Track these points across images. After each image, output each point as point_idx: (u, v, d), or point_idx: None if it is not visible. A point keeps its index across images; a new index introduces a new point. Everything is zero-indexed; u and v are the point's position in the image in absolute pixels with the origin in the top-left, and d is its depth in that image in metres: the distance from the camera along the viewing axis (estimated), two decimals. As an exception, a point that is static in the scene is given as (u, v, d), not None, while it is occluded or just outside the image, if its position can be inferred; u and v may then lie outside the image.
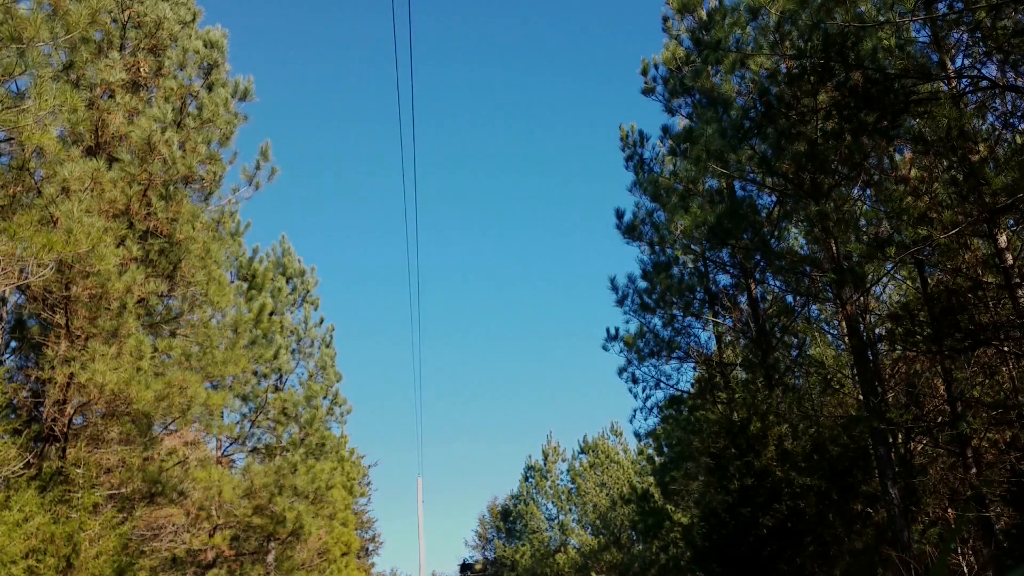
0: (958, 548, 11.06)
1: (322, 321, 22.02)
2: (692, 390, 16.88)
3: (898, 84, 9.19)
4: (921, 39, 9.86)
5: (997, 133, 9.93)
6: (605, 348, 16.78)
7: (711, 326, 16.41)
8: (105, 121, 10.61)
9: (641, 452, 30.62)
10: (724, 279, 16.06)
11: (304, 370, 21.24)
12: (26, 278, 8.86)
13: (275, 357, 17.89)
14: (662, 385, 16.91)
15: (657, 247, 15.80)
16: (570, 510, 40.79)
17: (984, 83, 9.33)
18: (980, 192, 8.55)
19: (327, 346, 21.95)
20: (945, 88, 9.51)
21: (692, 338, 16.53)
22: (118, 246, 9.87)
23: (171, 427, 11.94)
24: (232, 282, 15.36)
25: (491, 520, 46.98)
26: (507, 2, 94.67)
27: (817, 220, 10.75)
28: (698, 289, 15.86)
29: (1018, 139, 10.12)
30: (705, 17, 13.96)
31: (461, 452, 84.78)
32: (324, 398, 21.17)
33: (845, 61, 9.31)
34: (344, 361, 41.57)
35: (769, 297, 15.27)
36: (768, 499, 11.44)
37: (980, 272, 10.03)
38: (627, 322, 19.56)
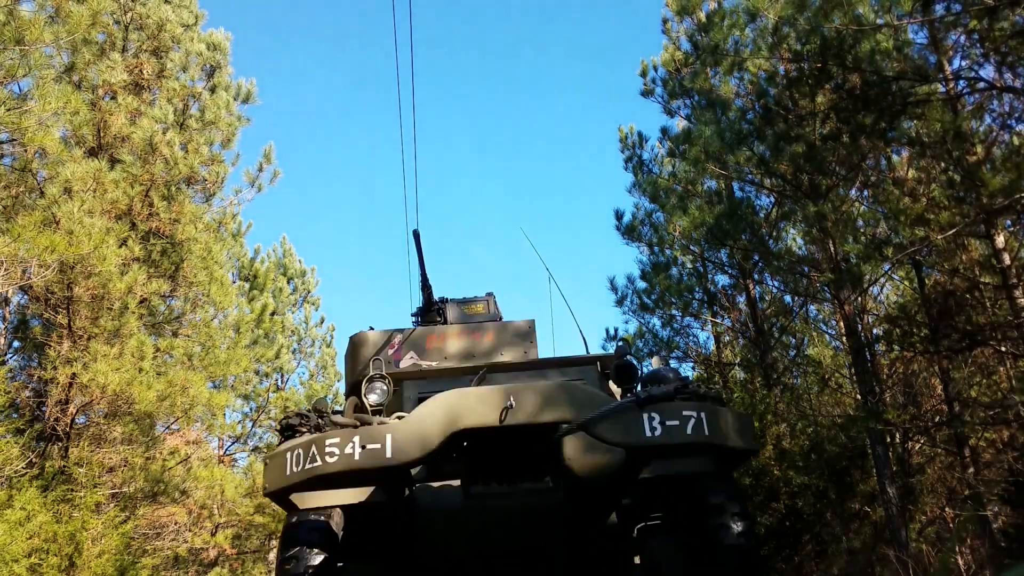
0: (956, 548, 11.12)
1: (323, 321, 22.12)
2: (691, 390, 16.88)
3: (896, 86, 9.24)
4: (919, 41, 9.92)
5: (995, 134, 9.98)
6: (604, 349, 16.86)
7: (710, 326, 16.48)
8: (107, 122, 10.67)
9: (641, 452, 30.63)
10: (723, 279, 16.12)
11: (305, 370, 21.34)
12: (29, 279, 8.92)
13: (276, 357, 17.98)
14: (661, 385, 16.92)
15: (656, 248, 15.86)
16: (570, 510, 40.82)
17: (981, 85, 9.38)
18: (977, 193, 8.60)
19: (328, 346, 22.04)
20: (943, 90, 9.56)
21: (691, 338, 16.59)
22: (120, 247, 9.93)
23: (173, 426, 12.00)
24: (234, 282, 15.43)
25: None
26: (505, 5, 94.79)
27: (815, 221, 10.80)
28: (697, 289, 15.91)
29: (1015, 140, 10.18)
30: (704, 19, 14.02)
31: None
32: (325, 398, 21.24)
33: (843, 63, 9.36)
34: (344, 361, 41.50)
35: (767, 297, 15.33)
36: (766, 498, 11.49)
37: (977, 273, 10.08)
38: (626, 322, 19.58)
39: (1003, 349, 9.95)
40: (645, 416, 3.61)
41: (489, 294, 6.81)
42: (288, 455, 3.71)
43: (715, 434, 3.67)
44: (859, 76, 9.40)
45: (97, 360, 9.37)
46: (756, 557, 4.25)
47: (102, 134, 10.74)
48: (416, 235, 6.19)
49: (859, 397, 11.88)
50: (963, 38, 9.32)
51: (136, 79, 11.36)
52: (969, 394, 11.33)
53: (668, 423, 3.61)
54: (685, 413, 3.67)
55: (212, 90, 12.30)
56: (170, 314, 11.92)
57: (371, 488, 4.34)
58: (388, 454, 3.50)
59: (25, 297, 10.45)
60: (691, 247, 14.78)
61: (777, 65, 11.19)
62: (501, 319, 6.65)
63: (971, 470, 11.05)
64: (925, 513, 12.34)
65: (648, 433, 3.57)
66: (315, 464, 3.57)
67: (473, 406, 3.60)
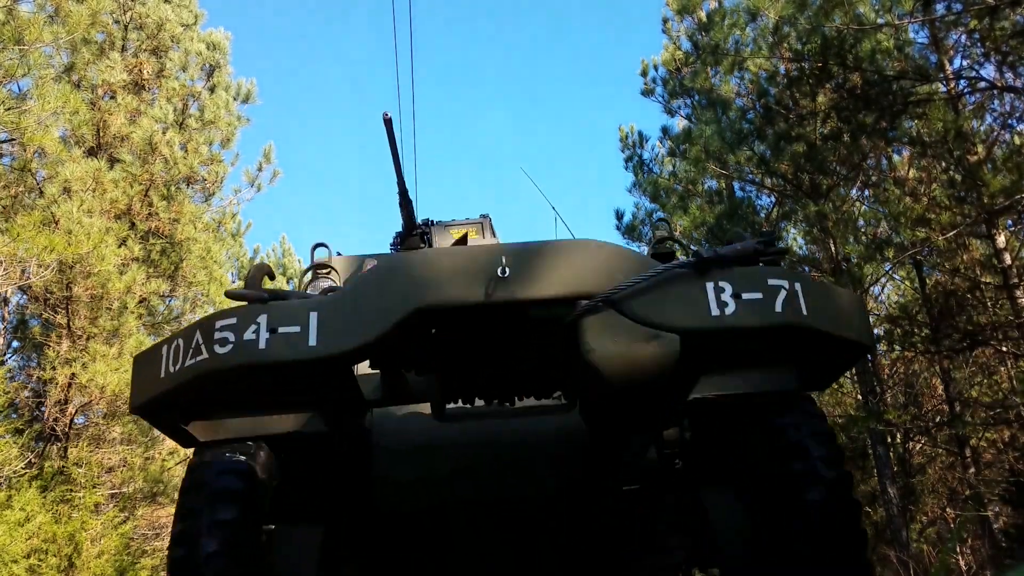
0: (956, 548, 11.12)
1: (322, 321, 22.10)
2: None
3: (896, 86, 9.24)
4: (920, 40, 9.91)
5: (995, 134, 9.98)
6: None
7: (710, 326, 16.43)
8: (107, 122, 10.67)
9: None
10: (723, 279, 16.09)
11: (304, 370, 21.31)
12: (28, 278, 8.91)
13: (276, 357, 17.89)
14: (662, 385, 16.89)
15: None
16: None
17: (982, 84, 9.37)
18: (978, 193, 8.60)
19: (327, 346, 22.04)
20: (944, 90, 9.56)
21: (692, 338, 16.55)
22: (120, 246, 9.92)
23: (172, 427, 11.98)
24: (233, 282, 15.40)
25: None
26: (504, 6, 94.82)
27: (816, 221, 10.79)
28: (697, 289, 15.88)
29: (1016, 140, 10.17)
30: (704, 19, 14.00)
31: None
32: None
33: (844, 63, 9.35)
34: (344, 361, 41.44)
35: (768, 297, 15.31)
36: (767, 499, 11.47)
37: (978, 273, 10.08)
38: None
39: (1004, 349, 9.94)
40: (710, 285, 2.28)
41: (484, 216, 5.30)
42: (164, 349, 2.41)
43: (817, 317, 2.32)
44: (860, 75, 9.39)
45: (96, 360, 9.36)
46: (854, 518, 2.50)
47: (101, 134, 10.73)
48: (387, 121, 3.80)
49: (860, 397, 11.87)
50: (964, 38, 9.32)
51: (136, 79, 11.35)
52: (970, 394, 11.32)
53: (746, 296, 2.27)
54: (772, 282, 2.31)
55: (212, 90, 12.30)
56: (169, 314, 11.92)
57: (309, 413, 2.59)
58: (312, 341, 2.21)
59: (24, 297, 10.45)
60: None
61: (778, 64, 11.18)
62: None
63: (972, 470, 11.04)
64: (926, 513, 12.33)
65: (715, 310, 2.25)
66: (200, 358, 2.26)
67: (446, 273, 2.26)
